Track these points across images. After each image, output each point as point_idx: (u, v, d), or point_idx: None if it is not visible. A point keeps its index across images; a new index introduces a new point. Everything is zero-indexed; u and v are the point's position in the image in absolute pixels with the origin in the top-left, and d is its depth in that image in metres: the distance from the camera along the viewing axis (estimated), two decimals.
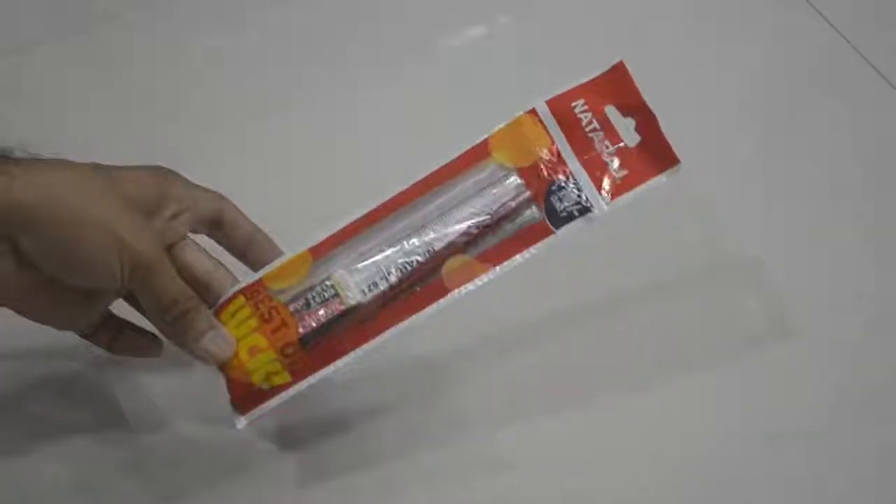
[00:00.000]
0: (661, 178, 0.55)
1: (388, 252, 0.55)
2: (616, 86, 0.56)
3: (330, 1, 0.80)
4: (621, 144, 0.55)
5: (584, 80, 0.56)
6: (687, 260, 0.67)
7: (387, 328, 0.54)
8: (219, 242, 0.58)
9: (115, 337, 0.57)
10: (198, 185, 0.57)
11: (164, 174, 0.56)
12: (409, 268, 0.54)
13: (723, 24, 0.79)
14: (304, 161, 0.71)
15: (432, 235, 0.54)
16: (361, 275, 0.54)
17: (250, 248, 0.57)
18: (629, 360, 0.62)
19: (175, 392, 0.60)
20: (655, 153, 0.55)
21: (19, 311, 0.53)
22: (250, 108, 0.73)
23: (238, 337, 0.54)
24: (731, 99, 0.75)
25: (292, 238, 0.66)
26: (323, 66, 0.76)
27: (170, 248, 0.55)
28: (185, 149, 0.71)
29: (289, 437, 0.60)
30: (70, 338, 0.57)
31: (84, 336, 0.57)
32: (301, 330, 0.54)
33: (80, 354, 0.60)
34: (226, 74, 0.75)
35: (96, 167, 0.53)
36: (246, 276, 0.56)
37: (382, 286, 0.54)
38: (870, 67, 0.76)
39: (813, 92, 0.75)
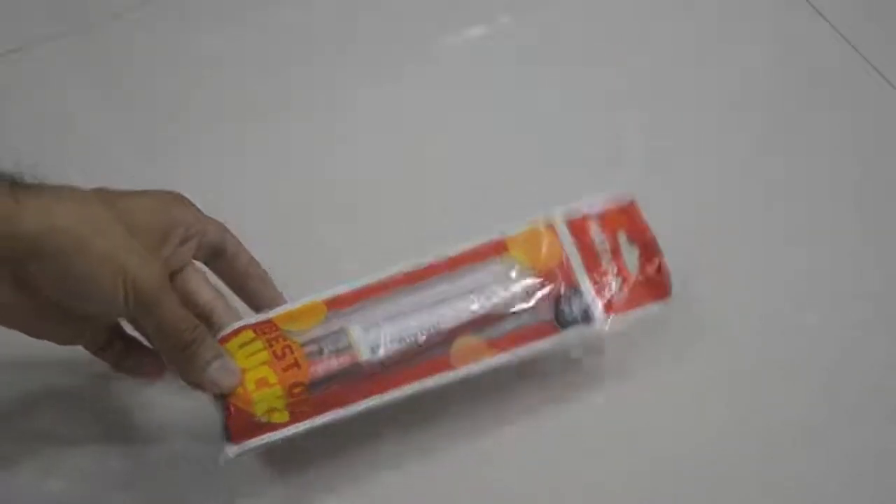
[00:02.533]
0: (654, 307, 0.59)
1: (403, 320, 0.56)
2: (628, 218, 0.61)
3: (330, 1, 0.80)
4: (625, 269, 0.60)
5: (600, 205, 0.61)
6: (686, 259, 0.67)
7: (390, 389, 0.55)
8: (216, 272, 0.58)
9: (122, 356, 0.57)
10: (204, 214, 0.57)
11: (172, 200, 0.56)
12: (419, 337, 0.56)
13: (723, 24, 0.79)
14: (304, 161, 0.71)
15: (446, 313, 0.57)
16: (374, 334, 0.56)
17: (247, 281, 0.58)
18: (624, 356, 0.63)
19: (177, 408, 0.60)
20: (652, 284, 0.60)
21: (19, 330, 0.53)
22: (250, 108, 0.73)
23: (247, 367, 0.54)
24: (732, 99, 0.75)
25: (292, 239, 0.66)
26: (323, 66, 0.76)
27: (174, 275, 0.55)
28: (185, 149, 0.71)
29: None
30: (72, 352, 0.57)
31: (92, 352, 0.57)
32: (312, 374, 0.54)
33: (82, 368, 0.60)
34: (226, 74, 0.75)
35: (104, 195, 0.53)
36: (254, 316, 0.57)
37: (393, 349, 0.55)
38: (870, 67, 0.76)
39: (813, 92, 0.75)
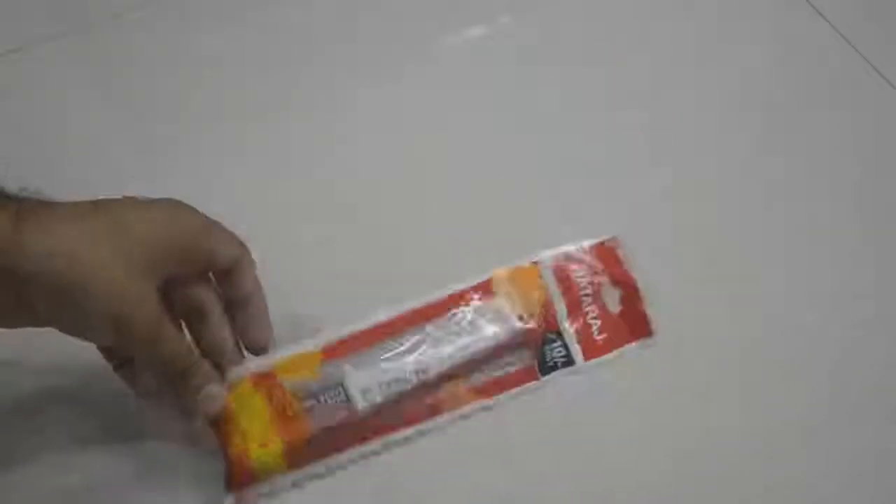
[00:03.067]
0: (634, 346, 0.62)
1: (395, 366, 0.58)
2: (611, 260, 0.63)
3: (330, 1, 0.80)
4: (605, 311, 0.62)
5: (584, 247, 0.63)
6: (686, 257, 0.67)
7: (383, 434, 0.58)
8: (218, 287, 0.57)
9: (122, 364, 0.58)
10: (218, 228, 0.55)
11: (179, 214, 0.54)
12: (410, 383, 0.58)
13: (723, 24, 0.79)
14: (304, 161, 0.71)
15: (435, 357, 0.59)
16: (368, 383, 0.58)
17: (241, 311, 0.57)
18: (623, 356, 0.63)
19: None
20: (633, 323, 0.62)
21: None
22: (250, 108, 0.73)
23: (245, 425, 0.56)
24: (731, 99, 0.75)
25: (292, 238, 0.66)
26: (323, 66, 0.76)
27: (173, 286, 0.55)
28: (185, 149, 0.71)
29: None
30: (82, 349, 0.57)
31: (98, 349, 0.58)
32: (311, 427, 0.56)
33: (91, 365, 0.60)
34: (226, 74, 0.75)
35: (108, 207, 0.52)
36: (253, 361, 0.57)
37: (385, 396, 0.57)
38: (869, 67, 0.76)
39: (813, 92, 0.75)
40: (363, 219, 0.68)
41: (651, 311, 0.63)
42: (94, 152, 0.70)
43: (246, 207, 0.66)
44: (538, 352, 0.61)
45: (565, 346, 0.61)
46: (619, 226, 0.68)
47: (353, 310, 0.60)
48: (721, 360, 0.63)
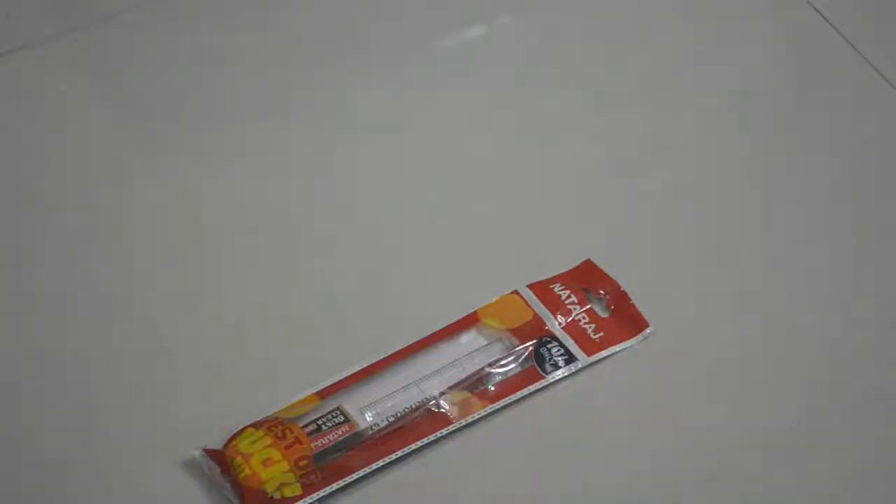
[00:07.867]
0: (634, 342, 0.63)
1: (393, 397, 0.59)
2: (588, 275, 0.65)
3: (330, 1, 0.80)
4: (596, 316, 0.64)
5: (560, 271, 0.65)
6: (686, 257, 0.67)
7: (393, 450, 0.58)
8: None
9: None
10: None
11: None
12: (411, 405, 0.59)
13: (723, 24, 0.79)
14: (304, 161, 0.71)
15: (434, 383, 0.60)
16: (366, 403, 0.59)
17: None
18: (624, 356, 0.63)
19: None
20: (627, 321, 0.63)
21: None
22: (250, 108, 0.73)
23: (251, 452, 0.56)
24: (732, 99, 0.75)
25: (292, 238, 0.66)
26: (323, 66, 0.76)
27: None
28: (185, 149, 0.71)
29: None
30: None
31: None
32: (314, 446, 0.57)
33: None
34: (226, 74, 0.75)
35: None
36: (251, 413, 0.58)
37: (389, 419, 0.59)
38: (870, 67, 0.76)
39: (813, 92, 0.75)
40: (363, 218, 0.68)
41: (646, 308, 0.63)
42: (94, 152, 0.70)
43: (246, 206, 0.67)
44: (536, 355, 0.61)
45: (562, 347, 0.62)
46: (619, 226, 0.68)
47: (346, 354, 0.61)
48: (721, 360, 0.63)
